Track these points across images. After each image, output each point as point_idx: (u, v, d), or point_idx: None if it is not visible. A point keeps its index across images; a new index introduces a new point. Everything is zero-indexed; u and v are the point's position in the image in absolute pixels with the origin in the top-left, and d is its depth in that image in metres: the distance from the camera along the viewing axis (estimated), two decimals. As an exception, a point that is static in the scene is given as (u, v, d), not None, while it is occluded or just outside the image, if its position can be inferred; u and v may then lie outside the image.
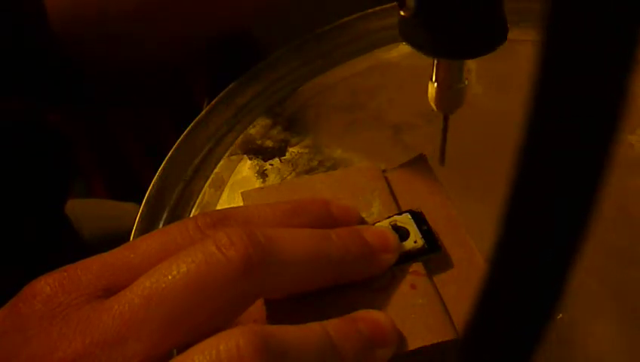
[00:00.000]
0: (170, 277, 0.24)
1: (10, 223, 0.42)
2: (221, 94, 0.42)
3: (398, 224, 0.31)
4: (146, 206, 0.36)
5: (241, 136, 0.41)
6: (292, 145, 0.40)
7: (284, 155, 0.39)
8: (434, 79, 0.28)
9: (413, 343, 0.28)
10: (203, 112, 0.41)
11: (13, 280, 0.26)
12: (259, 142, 0.40)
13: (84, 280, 0.25)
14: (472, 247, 0.32)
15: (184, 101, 0.51)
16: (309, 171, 0.38)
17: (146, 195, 0.36)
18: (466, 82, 0.28)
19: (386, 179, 0.35)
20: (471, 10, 0.25)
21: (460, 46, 0.26)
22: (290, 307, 0.28)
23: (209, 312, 0.24)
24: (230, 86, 0.43)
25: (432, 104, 0.28)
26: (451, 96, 0.28)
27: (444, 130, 0.30)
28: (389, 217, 0.32)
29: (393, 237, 0.30)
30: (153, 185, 0.37)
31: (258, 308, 0.28)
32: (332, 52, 0.45)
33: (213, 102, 0.42)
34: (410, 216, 0.31)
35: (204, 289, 0.24)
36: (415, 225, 0.31)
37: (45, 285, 0.25)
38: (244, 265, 0.24)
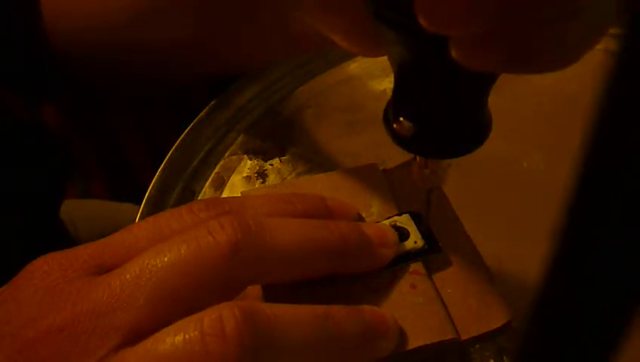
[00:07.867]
0: (161, 257, 0.25)
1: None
2: (221, 94, 0.42)
3: (398, 224, 0.31)
4: (146, 206, 0.36)
5: (241, 136, 0.41)
6: (292, 146, 0.40)
7: (284, 155, 0.39)
8: (417, 159, 0.28)
9: (413, 342, 0.28)
10: (203, 112, 0.41)
11: (2, 282, 0.27)
12: (259, 142, 0.40)
13: (80, 258, 0.26)
14: (472, 247, 0.32)
15: (184, 101, 0.51)
16: (309, 171, 0.38)
17: (146, 195, 0.36)
18: (449, 165, 0.29)
19: (386, 179, 0.35)
20: (462, 120, 0.26)
21: (451, 147, 0.27)
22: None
23: (196, 293, 0.25)
24: (230, 86, 0.43)
25: (415, 180, 0.29)
26: (434, 178, 0.29)
27: (427, 203, 0.30)
28: (389, 218, 0.32)
29: (391, 233, 0.30)
30: (153, 185, 0.37)
31: None
32: (331, 52, 0.45)
33: (213, 102, 0.42)
34: (410, 217, 0.32)
35: (192, 269, 0.25)
36: (415, 226, 0.31)
37: (44, 263, 0.26)
38: (231, 248, 0.25)
